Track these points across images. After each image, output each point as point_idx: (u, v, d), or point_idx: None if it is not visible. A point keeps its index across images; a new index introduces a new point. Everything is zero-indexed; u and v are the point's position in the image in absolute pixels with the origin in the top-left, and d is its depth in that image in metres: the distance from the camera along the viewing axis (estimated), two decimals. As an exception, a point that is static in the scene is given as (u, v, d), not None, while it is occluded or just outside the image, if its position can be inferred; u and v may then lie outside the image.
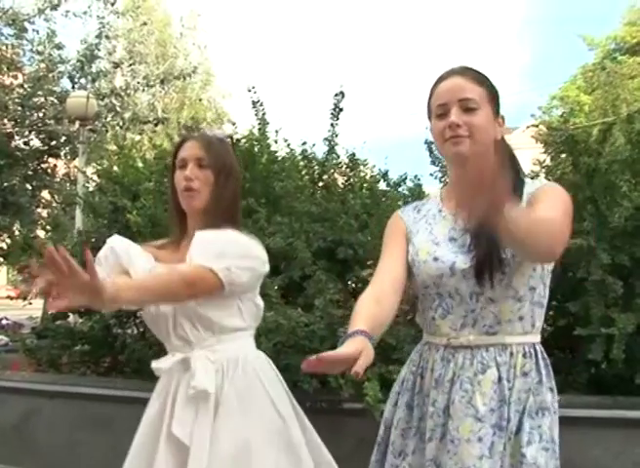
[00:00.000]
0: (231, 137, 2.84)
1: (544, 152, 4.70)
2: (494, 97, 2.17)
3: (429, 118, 2.23)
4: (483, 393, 2.02)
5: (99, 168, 6.06)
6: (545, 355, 2.13)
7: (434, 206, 2.27)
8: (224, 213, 2.50)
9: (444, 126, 2.10)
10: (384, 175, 5.38)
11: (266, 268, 2.52)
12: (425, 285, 2.15)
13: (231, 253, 2.36)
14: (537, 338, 2.12)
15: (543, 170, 4.58)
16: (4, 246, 9.85)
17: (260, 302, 2.58)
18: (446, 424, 2.05)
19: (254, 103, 5.37)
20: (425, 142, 4.96)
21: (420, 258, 2.13)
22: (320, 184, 5.26)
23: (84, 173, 7.25)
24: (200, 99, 28.58)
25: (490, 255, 2.00)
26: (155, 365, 2.47)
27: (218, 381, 2.38)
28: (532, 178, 4.48)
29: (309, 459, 2.51)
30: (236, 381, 2.41)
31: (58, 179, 13.88)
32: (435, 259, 2.10)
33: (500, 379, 2.03)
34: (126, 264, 2.44)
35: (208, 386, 2.34)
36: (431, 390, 2.11)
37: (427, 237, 2.17)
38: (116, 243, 2.53)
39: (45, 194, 13.90)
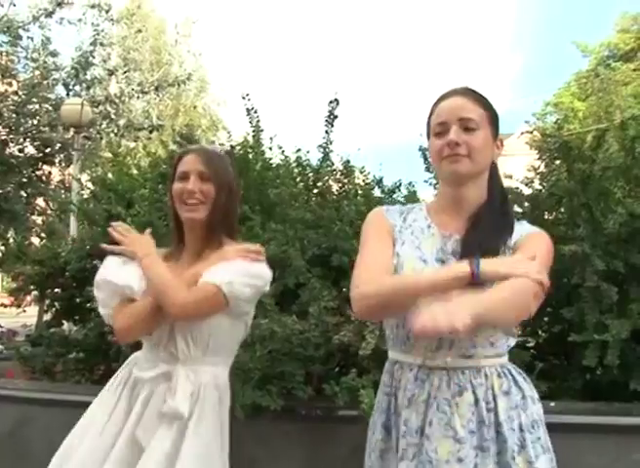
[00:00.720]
0: (231, 152, 2.88)
1: (539, 158, 4.69)
2: (494, 119, 2.18)
3: (428, 136, 2.23)
4: (461, 415, 2.02)
5: (93, 175, 6.07)
6: (519, 370, 2.17)
7: (421, 218, 2.25)
8: (223, 225, 2.56)
9: (442, 144, 2.11)
10: (379, 182, 5.37)
11: (267, 287, 2.58)
12: None
13: (234, 270, 2.41)
14: (505, 360, 2.15)
15: (538, 176, 4.58)
16: (-2, 253, 9.82)
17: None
18: (421, 444, 2.05)
19: (248, 111, 5.37)
20: (420, 149, 4.96)
21: (403, 272, 2.10)
22: (314, 191, 5.25)
23: (78, 180, 7.24)
24: (195, 107, 28.60)
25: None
26: (138, 374, 2.50)
27: (191, 404, 2.39)
28: (526, 185, 4.54)
29: None
30: (207, 409, 2.44)
31: (52, 187, 13.86)
32: None
33: (476, 401, 2.04)
34: (122, 293, 2.52)
35: (184, 410, 2.36)
36: (403, 409, 2.10)
37: (414, 252, 2.14)
38: (110, 271, 2.60)
39: (40, 201, 13.88)
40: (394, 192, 5.33)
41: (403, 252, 2.15)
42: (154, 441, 2.32)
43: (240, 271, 2.42)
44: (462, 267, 1.92)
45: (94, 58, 14.35)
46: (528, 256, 1.97)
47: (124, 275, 2.51)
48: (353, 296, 2.10)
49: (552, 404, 3.37)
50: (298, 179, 5.26)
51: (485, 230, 2.10)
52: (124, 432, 2.38)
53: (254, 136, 5.37)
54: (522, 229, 2.15)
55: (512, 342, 2.18)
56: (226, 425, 2.55)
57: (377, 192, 5.33)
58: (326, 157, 5.30)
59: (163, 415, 2.36)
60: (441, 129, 2.13)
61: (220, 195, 2.52)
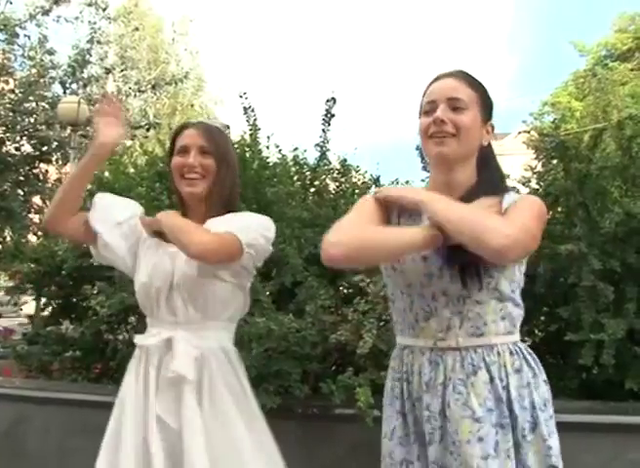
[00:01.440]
0: (228, 127, 2.87)
1: (536, 158, 4.70)
2: (485, 102, 2.17)
3: (419, 116, 2.23)
4: (477, 394, 2.02)
5: (90, 173, 6.05)
6: (530, 351, 2.16)
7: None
8: (224, 200, 2.56)
9: (429, 122, 2.10)
10: (376, 181, 5.38)
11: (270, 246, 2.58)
12: (408, 284, 2.12)
13: (246, 221, 2.48)
14: (517, 338, 2.14)
15: (535, 175, 4.59)
16: (-5, 251, 9.80)
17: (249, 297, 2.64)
18: (444, 426, 2.05)
19: (245, 109, 5.37)
20: (417, 148, 4.96)
21: (406, 256, 2.09)
22: (312, 190, 5.26)
23: (75, 178, 7.22)
24: (192, 105, 28.59)
25: (475, 263, 2.00)
26: (140, 341, 2.49)
27: (197, 369, 2.38)
28: (523, 184, 4.54)
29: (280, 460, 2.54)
30: (217, 374, 2.42)
31: (49, 185, 13.82)
32: (424, 259, 2.07)
33: (491, 379, 2.04)
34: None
35: (187, 372, 2.34)
36: (423, 394, 2.09)
37: None
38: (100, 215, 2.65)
39: (36, 199, 13.85)
40: (391, 191, 5.32)
41: None
42: (186, 424, 2.30)
43: (252, 222, 2.48)
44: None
45: (91, 56, 14.33)
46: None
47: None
48: (324, 245, 2.12)
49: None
50: (295, 178, 5.26)
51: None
52: (149, 416, 2.36)
53: (251, 135, 5.36)
54: (510, 198, 2.13)
55: (518, 317, 2.16)
56: (246, 384, 2.54)
57: (374, 191, 5.33)
58: (323, 156, 5.30)
59: (172, 384, 2.34)
60: (429, 107, 2.13)
61: (220, 169, 2.53)
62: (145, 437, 2.33)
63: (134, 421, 2.38)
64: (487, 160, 2.21)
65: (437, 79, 2.20)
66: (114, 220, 2.61)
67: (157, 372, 2.40)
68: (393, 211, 2.21)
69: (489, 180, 2.17)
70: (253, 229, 2.44)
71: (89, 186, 5.85)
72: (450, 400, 2.04)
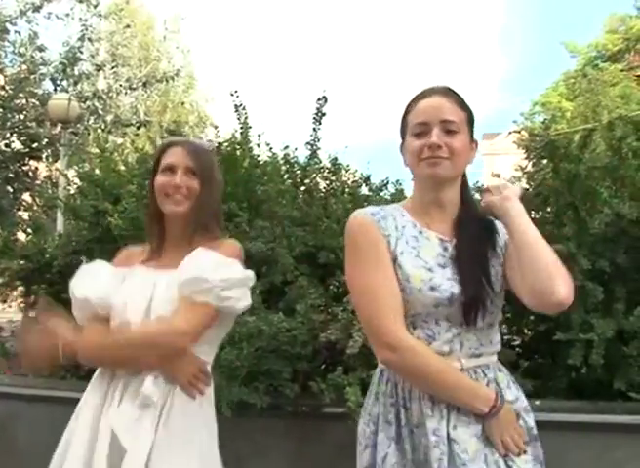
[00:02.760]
0: (217, 147, 2.87)
1: (526, 158, 4.70)
2: (472, 121, 2.18)
3: (403, 134, 2.20)
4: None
5: (80, 171, 6.03)
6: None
7: (408, 224, 2.16)
8: (205, 222, 2.53)
9: (422, 145, 2.07)
10: (366, 180, 5.38)
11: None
12: (414, 313, 2.06)
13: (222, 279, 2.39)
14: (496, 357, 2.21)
15: (525, 175, 4.59)
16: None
17: None
18: (451, 449, 2.01)
19: (236, 107, 5.36)
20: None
21: (412, 285, 2.03)
22: (302, 189, 5.25)
23: (65, 175, 7.20)
24: (183, 103, 28.51)
25: (480, 300, 2.04)
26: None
27: (164, 393, 2.35)
28: (512, 184, 4.54)
29: None
30: (181, 399, 2.38)
31: (39, 182, 13.78)
32: (432, 289, 2.03)
33: None
34: (103, 310, 2.48)
35: (152, 394, 2.31)
36: (427, 420, 2.04)
37: (417, 262, 2.07)
38: (89, 290, 2.51)
39: (26, 197, 13.79)
40: (382, 190, 5.34)
41: (405, 263, 2.07)
42: (134, 441, 2.27)
43: (227, 280, 2.38)
44: (487, 399, 2.03)
45: (82, 53, 14.29)
46: None
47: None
48: (377, 343, 2.07)
49: (537, 402, 3.37)
50: (285, 177, 5.25)
51: (475, 235, 2.14)
52: (102, 424, 2.32)
53: (242, 133, 5.36)
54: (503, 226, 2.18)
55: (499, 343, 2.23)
56: (211, 418, 2.49)
57: (364, 190, 5.33)
58: (313, 154, 5.29)
59: (137, 406, 2.31)
60: (421, 129, 2.09)
61: (203, 191, 2.50)
62: (93, 449, 2.30)
63: (85, 432, 2.35)
64: (465, 176, 2.24)
65: (423, 96, 2.16)
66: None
67: (123, 387, 2.37)
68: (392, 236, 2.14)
69: (471, 199, 2.24)
70: (231, 284, 2.39)
71: (79, 183, 5.86)
72: (457, 424, 2.03)
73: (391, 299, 2.03)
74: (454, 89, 2.21)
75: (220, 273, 2.36)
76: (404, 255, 2.08)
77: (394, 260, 2.07)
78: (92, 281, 2.53)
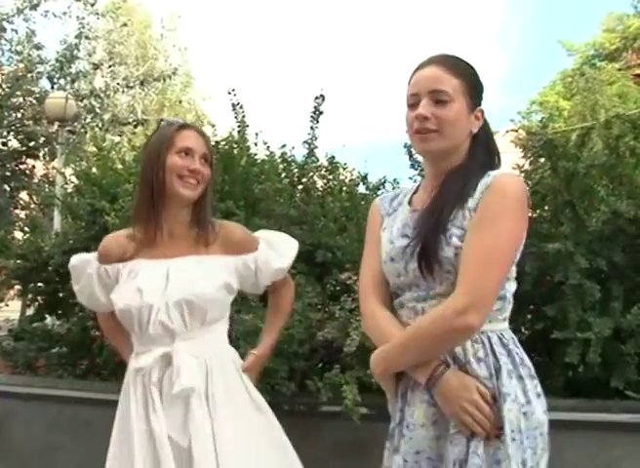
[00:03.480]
0: (215, 145, 2.92)
1: (523, 157, 4.70)
2: (472, 88, 2.10)
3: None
4: None
5: (77, 169, 6.03)
6: (508, 341, 2.05)
7: (405, 198, 2.23)
8: (209, 203, 2.62)
9: (413, 117, 2.05)
10: (364, 179, 5.38)
11: None
12: (392, 283, 2.12)
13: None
14: (490, 326, 2.02)
15: (522, 174, 4.59)
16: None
17: None
18: (403, 410, 2.05)
19: (233, 106, 5.36)
20: (405, 146, 4.96)
21: (382, 260, 2.13)
22: (299, 187, 5.25)
23: (62, 174, 7.20)
24: (180, 101, 28.46)
25: (428, 248, 1.97)
26: (136, 365, 2.44)
27: (202, 378, 2.38)
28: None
29: (295, 454, 2.63)
30: (221, 379, 2.43)
31: (36, 180, 13.78)
32: (392, 260, 2.08)
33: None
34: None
35: (193, 383, 2.33)
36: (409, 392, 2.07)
37: (388, 235, 2.15)
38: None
39: (23, 195, 13.79)
40: (379, 189, 5.34)
41: (382, 238, 2.17)
42: (195, 438, 2.29)
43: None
44: (423, 373, 1.97)
45: (79, 51, 14.29)
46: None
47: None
48: None
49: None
50: (282, 175, 5.25)
51: (440, 200, 2.04)
52: (156, 432, 2.31)
53: (239, 132, 5.36)
54: (485, 183, 2.01)
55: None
56: (247, 380, 2.57)
57: (361, 189, 5.34)
58: (311, 153, 5.29)
59: (178, 398, 2.33)
60: (413, 100, 2.07)
61: (212, 178, 2.60)
62: (157, 459, 2.29)
63: (141, 446, 2.33)
64: (478, 143, 2.13)
65: (420, 67, 2.13)
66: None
67: (160, 390, 2.37)
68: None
69: (474, 165, 2.09)
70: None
71: (76, 181, 5.85)
72: (414, 385, 2.05)
73: (369, 274, 2.19)
74: (455, 55, 2.15)
75: None
76: (385, 231, 2.18)
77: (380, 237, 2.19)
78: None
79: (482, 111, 2.12)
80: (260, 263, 2.63)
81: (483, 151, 2.13)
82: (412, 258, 2.01)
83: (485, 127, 2.15)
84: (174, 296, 2.39)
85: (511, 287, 2.09)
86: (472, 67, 2.14)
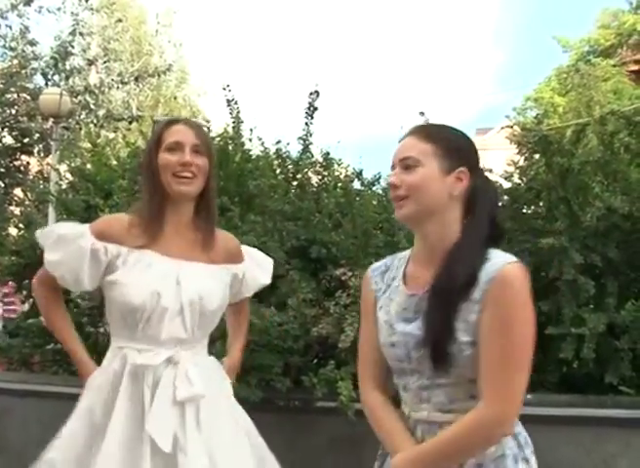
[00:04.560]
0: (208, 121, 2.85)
1: (518, 153, 4.71)
2: (447, 150, 2.01)
3: None
4: None
5: (72, 165, 6.02)
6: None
7: (399, 273, 2.12)
8: (214, 200, 2.55)
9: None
10: (359, 175, 5.39)
11: None
12: (391, 364, 2.07)
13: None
14: None
15: (517, 170, 4.60)
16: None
17: None
18: None
19: (228, 102, 5.36)
20: (399, 142, 4.96)
21: (381, 342, 2.06)
22: (294, 183, 5.26)
23: (57, 170, 7.18)
24: (175, 97, 28.46)
25: (440, 347, 1.91)
26: (143, 361, 2.35)
27: (203, 387, 2.35)
28: (505, 179, 4.55)
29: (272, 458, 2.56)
30: (216, 388, 2.45)
31: (30, 177, 13.74)
32: (392, 345, 2.02)
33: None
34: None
35: (202, 391, 2.32)
36: None
37: (385, 316, 2.06)
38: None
39: (17, 192, 13.74)
40: (374, 185, 5.35)
41: (379, 318, 2.08)
42: (182, 454, 2.25)
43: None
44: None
45: (73, 47, 14.27)
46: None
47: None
48: None
49: (529, 396, 3.38)
50: (277, 171, 5.26)
51: (446, 283, 1.96)
52: (140, 433, 2.27)
53: (234, 128, 5.36)
54: (488, 272, 1.92)
55: None
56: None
57: (356, 184, 5.34)
58: (306, 149, 5.30)
59: (177, 404, 2.30)
60: (392, 172, 2.05)
61: (211, 168, 2.47)
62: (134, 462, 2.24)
63: (123, 444, 2.27)
64: (472, 211, 2.03)
65: (400, 139, 2.11)
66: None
67: (152, 392, 2.32)
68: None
69: (471, 236, 2.00)
70: None
71: (71, 178, 5.85)
72: None
73: (368, 356, 2.14)
74: (437, 124, 2.14)
75: None
76: (381, 310, 2.09)
77: (376, 316, 2.11)
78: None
79: (465, 172, 2.00)
80: (248, 276, 2.63)
81: (479, 222, 2.03)
82: (415, 348, 1.96)
83: (482, 189, 2.05)
84: (187, 304, 2.36)
85: None
86: (453, 131, 2.09)
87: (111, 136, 13.62)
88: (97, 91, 14.57)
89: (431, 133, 2.05)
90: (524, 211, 4.52)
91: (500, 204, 2.09)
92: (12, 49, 13.69)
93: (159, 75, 15.78)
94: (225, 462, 2.31)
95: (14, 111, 13.33)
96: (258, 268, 2.70)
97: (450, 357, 1.90)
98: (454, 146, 2.04)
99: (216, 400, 2.41)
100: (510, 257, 1.94)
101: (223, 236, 2.60)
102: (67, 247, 2.41)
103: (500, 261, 1.93)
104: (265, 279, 2.75)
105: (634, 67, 21.84)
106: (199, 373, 2.36)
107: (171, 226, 2.45)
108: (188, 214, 2.48)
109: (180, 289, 2.37)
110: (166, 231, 2.44)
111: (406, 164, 2.00)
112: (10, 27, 13.64)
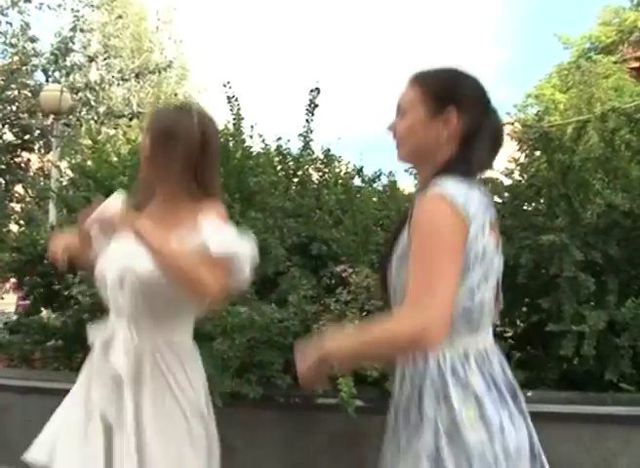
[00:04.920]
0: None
1: (519, 150, 4.71)
2: (431, 94, 2.02)
3: None
4: None
5: (72, 162, 6.03)
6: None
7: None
8: (167, 182, 2.51)
9: None
10: (359, 171, 5.38)
11: None
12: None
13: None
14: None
15: (518, 167, 4.60)
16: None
17: None
18: None
19: (229, 99, 5.36)
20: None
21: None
22: (295, 180, 5.25)
23: (58, 167, 7.21)
24: (175, 94, 28.40)
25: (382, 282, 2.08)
26: (91, 338, 2.47)
27: (135, 367, 2.28)
28: (506, 176, 4.55)
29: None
30: (159, 371, 2.32)
31: (31, 174, 13.77)
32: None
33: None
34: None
35: (120, 369, 2.26)
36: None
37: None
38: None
39: (18, 188, 13.78)
40: (374, 181, 5.35)
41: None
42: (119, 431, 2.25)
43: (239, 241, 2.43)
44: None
45: (73, 44, 14.27)
46: None
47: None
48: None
49: (529, 393, 3.39)
50: (278, 168, 5.25)
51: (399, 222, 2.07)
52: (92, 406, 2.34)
53: (234, 125, 5.35)
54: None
55: None
56: (196, 381, 2.40)
57: (357, 181, 5.35)
58: (306, 146, 5.30)
59: (111, 380, 2.29)
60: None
61: (154, 150, 2.47)
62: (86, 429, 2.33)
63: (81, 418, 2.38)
64: (458, 148, 2.03)
65: None
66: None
67: (98, 367, 2.37)
68: None
69: (441, 172, 1.98)
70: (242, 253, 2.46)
71: (71, 174, 5.85)
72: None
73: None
74: (429, 68, 2.11)
75: None
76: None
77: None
78: None
79: (452, 111, 1.99)
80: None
81: (457, 157, 2.02)
82: None
83: (471, 127, 2.02)
84: (125, 277, 2.32)
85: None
86: (439, 72, 2.10)
87: (112, 132, 13.65)
88: (97, 87, 14.58)
89: (417, 78, 2.10)
90: (525, 207, 4.52)
91: (501, 141, 2.06)
92: (12, 45, 13.70)
93: (159, 72, 15.77)
94: (155, 442, 2.25)
95: (14, 108, 13.32)
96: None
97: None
98: (437, 88, 2.06)
99: (156, 385, 2.31)
100: (439, 191, 1.88)
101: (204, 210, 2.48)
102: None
103: (434, 189, 1.89)
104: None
105: (635, 64, 21.86)
106: (135, 353, 2.29)
107: (159, 196, 2.53)
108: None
109: (120, 262, 2.35)
110: (155, 202, 2.54)
111: (399, 111, 2.09)
112: (10, 24, 13.67)
